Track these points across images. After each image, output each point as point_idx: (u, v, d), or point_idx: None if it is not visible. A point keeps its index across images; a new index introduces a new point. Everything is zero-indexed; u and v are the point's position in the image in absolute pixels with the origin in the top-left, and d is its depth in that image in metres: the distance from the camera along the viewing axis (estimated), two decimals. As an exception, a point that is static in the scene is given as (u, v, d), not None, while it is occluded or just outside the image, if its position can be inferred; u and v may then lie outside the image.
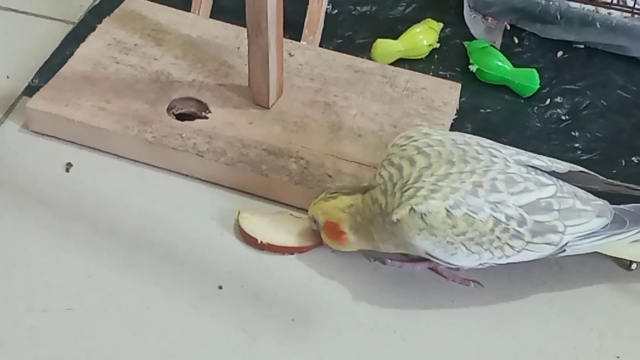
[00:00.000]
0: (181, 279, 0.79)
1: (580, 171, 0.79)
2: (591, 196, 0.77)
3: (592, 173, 0.79)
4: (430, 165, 0.74)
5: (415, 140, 0.76)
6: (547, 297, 0.79)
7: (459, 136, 0.77)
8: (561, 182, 0.76)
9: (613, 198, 0.79)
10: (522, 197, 0.73)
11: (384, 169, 0.75)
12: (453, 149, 0.75)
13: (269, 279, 0.80)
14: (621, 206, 0.78)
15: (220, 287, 0.79)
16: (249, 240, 0.81)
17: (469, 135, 0.77)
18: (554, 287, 0.80)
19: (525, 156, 0.77)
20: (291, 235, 0.81)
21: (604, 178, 0.80)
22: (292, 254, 0.81)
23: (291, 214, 0.83)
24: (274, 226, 0.82)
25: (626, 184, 0.80)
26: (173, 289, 0.79)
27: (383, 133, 0.88)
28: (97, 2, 1.05)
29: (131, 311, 0.77)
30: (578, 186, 0.78)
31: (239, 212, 0.82)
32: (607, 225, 0.76)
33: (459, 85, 0.93)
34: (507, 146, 0.77)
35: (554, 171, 0.77)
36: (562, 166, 0.78)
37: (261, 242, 0.81)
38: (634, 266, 0.81)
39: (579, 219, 0.75)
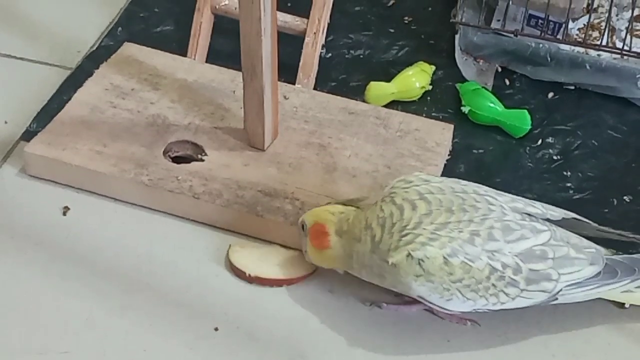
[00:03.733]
0: (177, 321, 0.80)
1: (574, 218, 0.80)
2: (585, 242, 0.78)
3: (585, 220, 0.80)
4: (431, 212, 0.74)
5: (417, 186, 0.77)
6: (543, 336, 0.80)
7: (456, 184, 0.78)
8: (554, 227, 0.77)
9: (605, 245, 0.80)
10: (518, 245, 0.74)
11: (386, 204, 0.76)
12: (452, 198, 0.76)
13: (265, 319, 0.80)
14: (613, 257, 0.78)
15: (216, 329, 0.79)
16: (238, 273, 0.82)
17: (465, 182, 0.78)
18: (549, 327, 0.80)
19: (521, 203, 0.78)
20: (279, 267, 0.82)
21: (597, 225, 0.80)
22: (280, 286, 0.81)
23: (280, 246, 0.84)
24: (263, 259, 0.82)
25: (618, 232, 0.81)
26: (169, 330, 0.79)
27: (377, 174, 0.89)
28: (94, 48, 1.07)
29: (128, 354, 0.77)
30: (571, 231, 0.78)
31: (229, 246, 0.83)
32: (599, 273, 0.77)
33: (452, 126, 0.94)
34: (503, 193, 0.78)
35: (548, 218, 0.78)
36: (556, 213, 0.79)
37: (249, 275, 0.81)
38: (627, 305, 0.82)
39: (572, 266, 0.76)
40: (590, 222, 0.80)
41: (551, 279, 0.75)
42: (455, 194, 0.76)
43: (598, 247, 0.79)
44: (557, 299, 0.76)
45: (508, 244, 0.74)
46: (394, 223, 0.74)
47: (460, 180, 0.79)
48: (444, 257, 0.73)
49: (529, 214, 0.77)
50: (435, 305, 0.76)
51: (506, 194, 0.79)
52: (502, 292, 0.74)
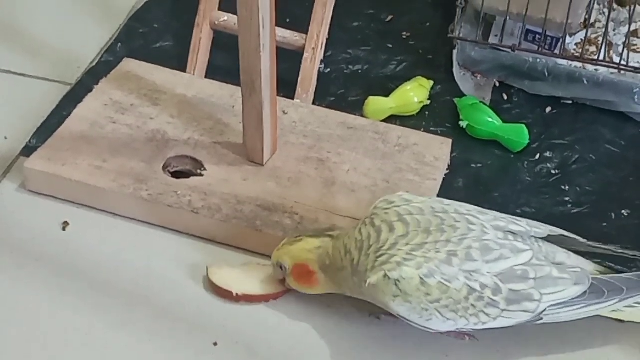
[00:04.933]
0: (176, 336, 0.80)
1: (561, 235, 0.79)
2: (573, 260, 0.77)
3: (572, 236, 0.80)
4: (407, 234, 0.75)
5: (398, 207, 0.77)
6: (541, 350, 0.79)
7: (437, 203, 0.78)
8: (541, 244, 0.77)
9: (600, 259, 0.80)
10: (497, 265, 0.74)
11: (365, 227, 0.76)
12: (431, 218, 0.75)
13: (264, 334, 0.80)
14: (599, 276, 0.77)
15: (215, 344, 0.79)
16: (223, 294, 0.82)
17: (448, 202, 0.78)
18: (547, 341, 0.80)
19: (504, 222, 0.77)
20: (264, 283, 0.82)
21: (585, 241, 0.80)
22: (267, 301, 0.81)
23: (258, 263, 0.83)
24: (245, 276, 0.82)
25: (607, 247, 0.80)
26: (168, 345, 0.79)
27: (376, 188, 0.89)
28: (94, 64, 1.07)
29: (127, 368, 0.77)
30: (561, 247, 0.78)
31: (207, 268, 0.83)
32: (585, 292, 0.76)
33: (450, 140, 0.95)
34: (486, 211, 0.78)
35: (532, 236, 0.78)
36: (541, 230, 0.78)
37: (236, 294, 0.81)
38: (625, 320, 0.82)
39: (555, 287, 0.75)
40: (577, 237, 0.80)
41: (533, 299, 0.74)
42: (435, 214, 0.76)
43: (585, 264, 0.78)
44: (541, 318, 0.76)
45: (487, 264, 0.74)
46: (370, 245, 0.75)
47: (444, 200, 0.79)
48: (421, 278, 0.73)
49: (512, 232, 0.77)
50: (417, 325, 0.75)
51: (490, 212, 0.78)
52: (482, 313, 0.74)
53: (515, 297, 0.74)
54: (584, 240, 0.80)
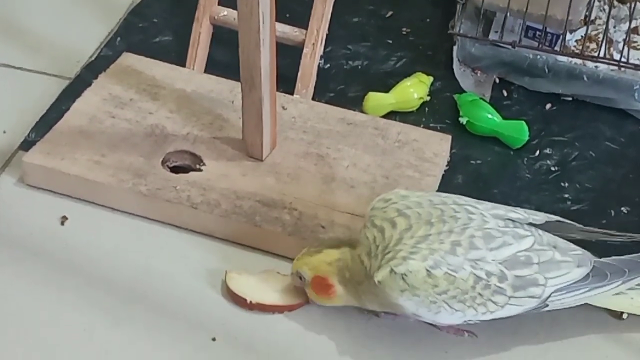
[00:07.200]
0: (175, 332, 0.80)
1: (557, 221, 0.80)
2: (571, 246, 0.78)
3: (569, 222, 0.80)
4: (410, 227, 0.75)
5: (395, 203, 0.77)
6: (540, 348, 0.79)
7: (435, 196, 0.78)
8: (540, 232, 0.77)
9: (592, 246, 0.80)
10: (501, 252, 0.74)
11: (368, 230, 0.76)
12: (431, 210, 0.76)
13: (263, 331, 0.80)
14: (602, 259, 0.78)
15: (213, 339, 0.79)
16: (238, 300, 0.81)
17: (445, 195, 0.79)
18: (546, 338, 0.80)
19: (502, 210, 0.78)
20: (280, 293, 0.81)
21: (581, 226, 0.80)
22: (281, 312, 0.81)
23: (278, 272, 0.82)
24: (262, 285, 0.81)
25: (603, 231, 0.81)
26: (167, 341, 0.79)
27: (375, 184, 0.89)
28: (93, 58, 1.07)
29: (125, 364, 0.77)
30: (557, 235, 0.78)
31: (225, 273, 0.82)
32: (588, 275, 0.76)
33: (450, 137, 0.95)
34: (483, 202, 0.78)
35: (531, 223, 0.78)
36: (539, 217, 0.79)
37: (250, 301, 0.80)
38: (625, 315, 0.82)
39: (559, 270, 0.75)
40: (574, 223, 0.80)
41: (538, 284, 0.75)
42: (433, 206, 0.76)
43: (585, 250, 0.79)
44: (547, 305, 0.76)
45: (491, 252, 0.74)
46: (377, 246, 0.75)
47: (440, 193, 0.79)
48: (427, 270, 0.73)
49: (511, 220, 0.77)
50: (426, 319, 0.76)
51: (486, 202, 0.78)
52: (489, 301, 0.74)
53: (521, 282, 0.74)
54: (580, 225, 0.80)
